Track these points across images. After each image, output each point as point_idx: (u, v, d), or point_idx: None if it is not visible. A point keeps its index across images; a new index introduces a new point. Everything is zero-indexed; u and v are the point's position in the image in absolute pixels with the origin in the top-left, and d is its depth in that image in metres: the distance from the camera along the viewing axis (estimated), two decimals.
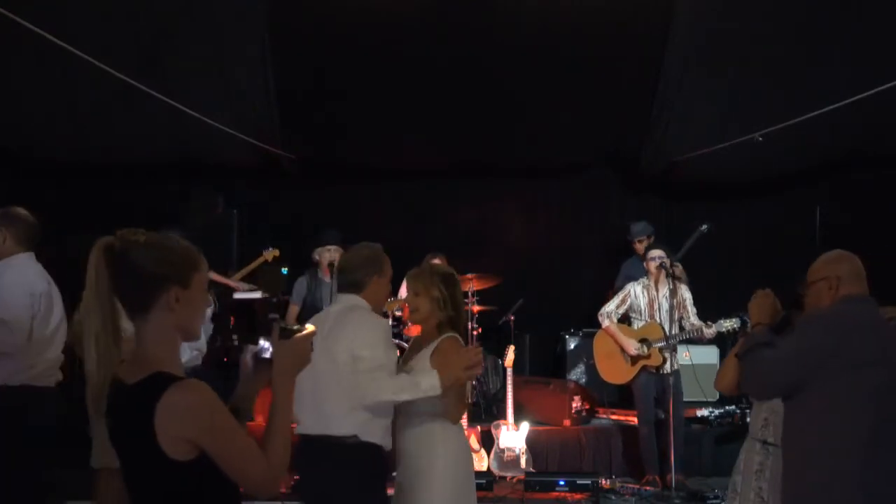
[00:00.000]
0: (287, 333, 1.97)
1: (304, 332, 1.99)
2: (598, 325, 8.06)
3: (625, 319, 6.38)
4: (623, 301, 6.30)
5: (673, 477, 5.74)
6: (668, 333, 5.92)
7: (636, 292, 6.29)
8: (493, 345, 7.56)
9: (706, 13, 6.38)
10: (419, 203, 8.52)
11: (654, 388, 6.16)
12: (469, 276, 7.07)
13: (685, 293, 6.15)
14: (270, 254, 7.12)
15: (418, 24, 6.51)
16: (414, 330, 4.37)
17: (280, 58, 6.67)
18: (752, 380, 2.95)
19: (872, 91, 5.66)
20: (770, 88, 6.67)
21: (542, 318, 8.11)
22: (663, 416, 6.07)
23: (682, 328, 6.05)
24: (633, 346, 6.15)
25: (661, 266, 6.04)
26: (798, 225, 7.57)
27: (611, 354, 6.35)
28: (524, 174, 8.42)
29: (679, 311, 6.05)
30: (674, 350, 5.96)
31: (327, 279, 6.42)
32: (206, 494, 1.78)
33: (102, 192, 7.65)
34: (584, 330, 8.09)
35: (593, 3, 6.48)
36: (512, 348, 6.39)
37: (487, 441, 6.17)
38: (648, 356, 6.10)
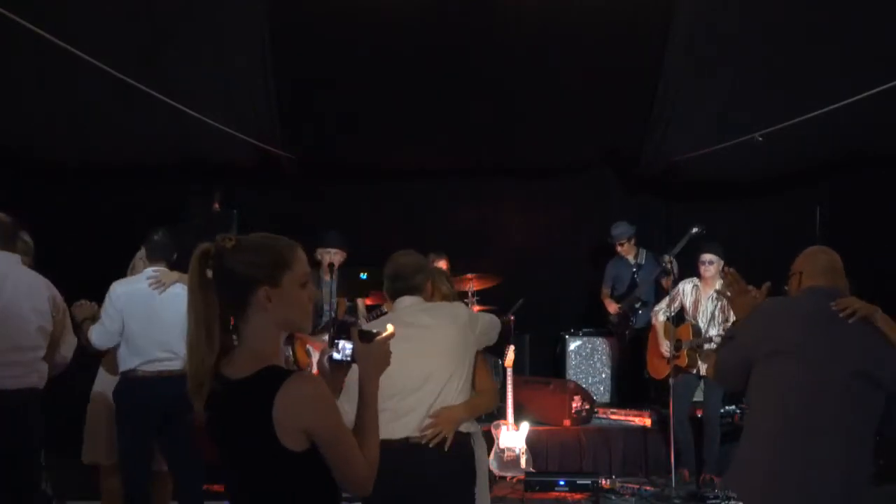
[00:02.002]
0: (368, 336, 2.04)
1: (385, 335, 2.07)
2: (599, 325, 8.11)
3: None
4: (673, 299, 6.34)
5: (675, 474, 5.80)
6: (700, 335, 6.05)
7: (685, 290, 6.40)
8: (493, 345, 7.54)
9: (706, 13, 6.38)
10: (419, 203, 8.51)
11: (691, 388, 6.23)
12: (469, 276, 7.08)
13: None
14: None
15: (418, 24, 6.51)
16: None
17: (280, 58, 6.67)
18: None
19: (872, 91, 5.66)
20: (770, 88, 6.67)
21: (542, 318, 8.11)
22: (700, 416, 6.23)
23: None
24: (665, 347, 6.27)
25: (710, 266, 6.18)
26: (798, 225, 7.56)
27: (654, 350, 6.68)
28: (524, 174, 8.41)
29: (725, 313, 6.08)
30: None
31: (328, 280, 6.42)
32: (314, 487, 1.88)
33: (102, 192, 7.65)
34: (584, 330, 8.10)
35: (593, 3, 6.48)
36: (512, 348, 6.38)
37: (487, 441, 6.17)
38: (679, 356, 6.15)
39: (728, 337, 3.14)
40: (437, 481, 3.03)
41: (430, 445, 3.01)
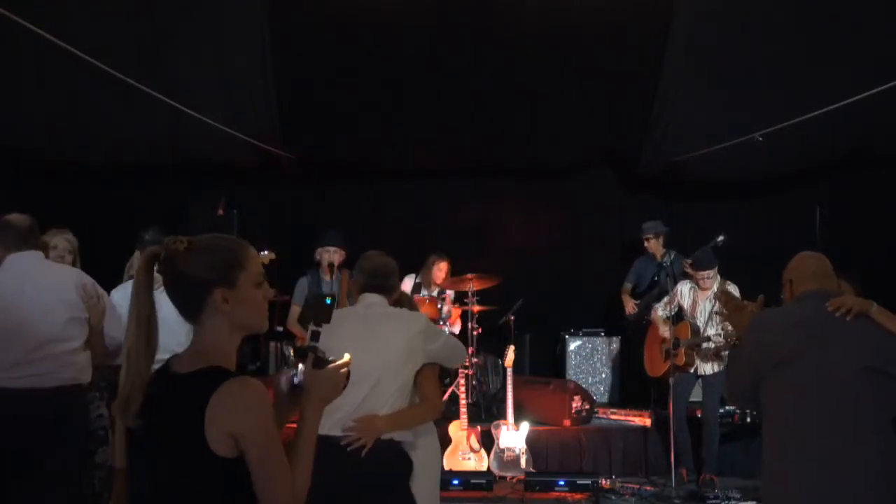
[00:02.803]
0: (321, 363, 1.97)
1: (339, 362, 1.99)
2: (599, 325, 8.10)
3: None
4: (671, 299, 6.35)
5: (675, 474, 5.79)
6: (699, 335, 6.07)
7: (683, 292, 6.42)
8: (493, 345, 7.57)
9: (706, 13, 6.37)
10: (419, 203, 8.52)
11: (688, 387, 6.25)
12: (469, 276, 7.08)
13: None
14: (266, 257, 7.11)
15: (418, 25, 6.51)
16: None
17: (280, 58, 6.67)
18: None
19: (872, 91, 5.66)
20: (770, 88, 6.67)
21: (542, 318, 8.11)
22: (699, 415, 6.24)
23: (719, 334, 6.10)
24: (664, 331, 6.33)
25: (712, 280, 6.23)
26: (798, 225, 7.56)
27: (651, 348, 6.68)
28: (524, 174, 8.42)
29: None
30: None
31: (328, 279, 6.42)
32: (236, 500, 1.77)
33: (103, 192, 7.65)
34: (584, 330, 8.10)
35: (593, 3, 6.47)
36: (512, 348, 6.39)
37: (487, 441, 6.17)
38: (677, 355, 6.15)
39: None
40: (354, 483, 3.08)
41: (348, 450, 3.05)
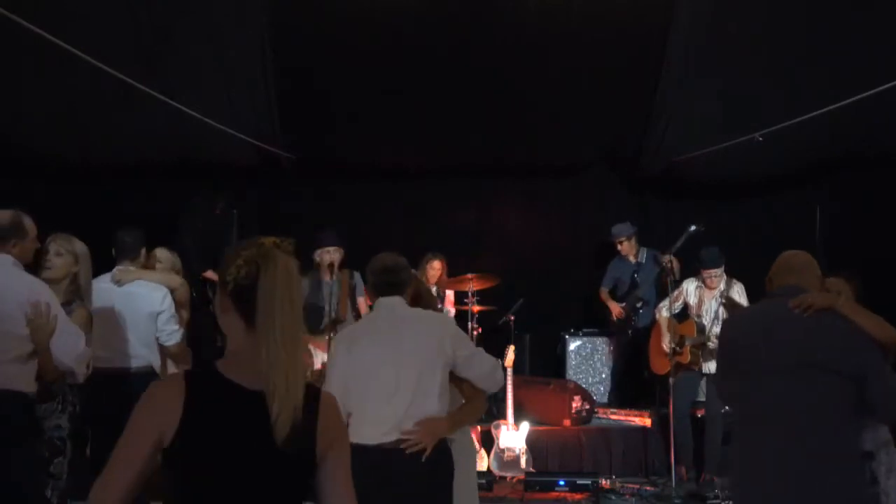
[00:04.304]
0: None
1: None
2: (599, 325, 8.10)
3: None
4: (676, 298, 6.35)
5: (674, 473, 5.78)
6: (704, 333, 6.08)
7: (689, 290, 6.44)
8: (493, 345, 7.55)
9: (706, 13, 6.37)
10: (419, 203, 8.51)
11: (693, 385, 6.25)
12: (469, 276, 7.08)
13: (740, 299, 6.16)
14: None
15: (418, 25, 6.51)
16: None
17: (280, 58, 6.67)
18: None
19: (872, 91, 5.66)
20: (770, 88, 6.67)
21: (542, 318, 8.11)
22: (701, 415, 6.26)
23: None
24: (666, 343, 6.27)
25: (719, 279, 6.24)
26: (798, 225, 7.56)
27: (657, 346, 6.68)
28: (524, 174, 8.41)
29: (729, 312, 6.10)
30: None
31: (328, 279, 6.41)
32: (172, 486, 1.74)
33: (102, 192, 7.65)
34: (584, 330, 8.10)
35: (593, 2, 6.47)
36: (512, 348, 6.39)
37: (487, 441, 6.17)
38: (681, 353, 6.16)
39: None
40: (408, 489, 3.03)
41: (407, 452, 3.00)
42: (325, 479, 1.82)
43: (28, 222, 3.86)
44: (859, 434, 2.90)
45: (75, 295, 4.06)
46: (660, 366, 6.68)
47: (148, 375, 4.38)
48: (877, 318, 2.84)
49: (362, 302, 6.42)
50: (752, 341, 2.92)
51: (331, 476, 1.83)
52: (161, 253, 4.84)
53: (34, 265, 3.97)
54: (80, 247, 4.18)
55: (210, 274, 6.13)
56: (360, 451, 2.55)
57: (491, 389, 3.28)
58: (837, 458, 2.75)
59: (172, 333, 4.57)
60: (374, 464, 2.96)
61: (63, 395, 3.97)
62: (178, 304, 4.64)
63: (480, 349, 3.35)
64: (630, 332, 7.51)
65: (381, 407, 3.07)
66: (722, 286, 6.17)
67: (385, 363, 3.09)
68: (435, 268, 7.16)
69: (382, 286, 3.30)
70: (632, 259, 7.63)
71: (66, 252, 4.12)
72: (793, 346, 2.83)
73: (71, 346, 3.80)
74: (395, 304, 3.27)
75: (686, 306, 6.44)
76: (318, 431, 1.78)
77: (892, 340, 2.82)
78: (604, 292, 7.75)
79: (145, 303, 4.50)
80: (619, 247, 7.64)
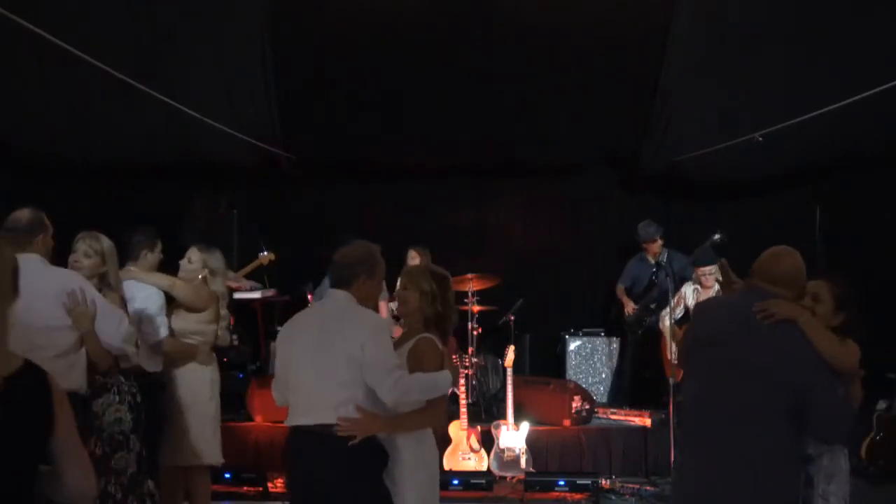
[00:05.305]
0: None
1: None
2: (599, 325, 8.07)
3: None
4: (677, 303, 6.34)
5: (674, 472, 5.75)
6: None
7: (687, 294, 6.47)
8: (493, 345, 7.56)
9: (706, 13, 6.37)
10: (419, 203, 8.51)
11: None
12: (469, 276, 7.07)
13: None
14: (266, 257, 7.13)
15: (418, 25, 6.51)
16: (396, 332, 4.35)
17: (280, 58, 6.67)
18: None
19: (872, 91, 5.65)
20: (770, 88, 6.67)
21: (542, 318, 8.11)
22: None
23: None
24: (670, 352, 6.29)
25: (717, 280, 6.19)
26: (798, 225, 7.56)
27: (666, 355, 6.69)
28: (524, 174, 8.41)
29: None
30: None
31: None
32: None
33: (102, 192, 7.65)
34: (584, 330, 8.10)
35: (593, 3, 6.48)
36: (512, 348, 6.39)
37: (487, 441, 6.17)
38: None
39: None
40: (326, 475, 3.08)
41: (337, 435, 3.03)
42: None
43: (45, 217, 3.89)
44: (798, 438, 2.91)
45: (103, 285, 4.08)
46: (668, 370, 6.64)
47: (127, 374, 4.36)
48: (836, 342, 2.86)
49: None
50: (709, 334, 2.99)
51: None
52: (193, 253, 4.75)
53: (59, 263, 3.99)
54: (107, 244, 4.19)
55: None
56: (291, 433, 3.15)
57: (386, 400, 3.09)
58: (767, 459, 2.78)
59: (152, 333, 4.44)
60: (297, 445, 3.14)
61: (118, 386, 4.00)
62: (180, 304, 4.61)
63: (398, 366, 3.16)
64: (640, 332, 7.46)
65: (308, 394, 3.16)
66: (717, 286, 6.16)
67: (313, 352, 3.16)
68: (414, 259, 6.79)
69: (331, 279, 3.36)
70: (651, 259, 7.50)
71: (94, 254, 4.14)
72: (744, 348, 2.85)
73: (114, 327, 3.84)
74: (337, 297, 3.27)
75: (687, 310, 6.42)
76: None
77: (845, 367, 2.86)
78: (620, 289, 7.66)
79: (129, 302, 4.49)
80: (646, 246, 7.47)
